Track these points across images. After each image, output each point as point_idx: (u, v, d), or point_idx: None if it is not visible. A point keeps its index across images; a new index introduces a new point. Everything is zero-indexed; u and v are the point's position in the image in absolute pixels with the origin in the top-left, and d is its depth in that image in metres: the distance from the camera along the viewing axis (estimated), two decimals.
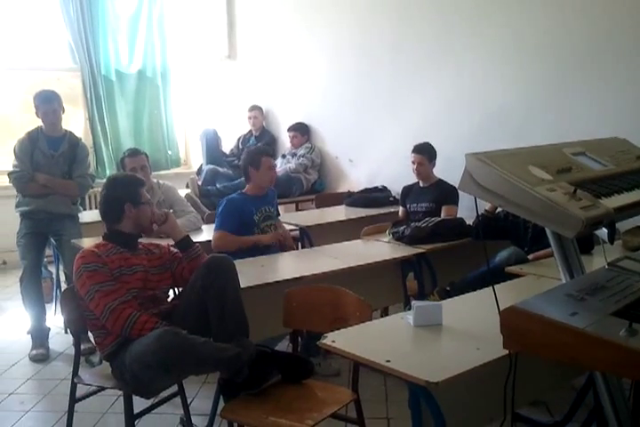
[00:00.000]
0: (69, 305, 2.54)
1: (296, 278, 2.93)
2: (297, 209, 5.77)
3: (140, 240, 2.71)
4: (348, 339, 2.05)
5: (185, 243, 2.73)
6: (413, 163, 4.23)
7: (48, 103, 3.88)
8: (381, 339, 2.09)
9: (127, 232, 2.63)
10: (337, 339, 2.03)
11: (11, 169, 3.94)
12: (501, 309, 1.61)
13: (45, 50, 6.35)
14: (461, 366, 1.82)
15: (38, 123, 4.00)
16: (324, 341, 2.02)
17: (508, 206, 1.76)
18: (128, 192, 2.64)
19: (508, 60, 4.39)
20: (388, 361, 1.84)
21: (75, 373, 2.56)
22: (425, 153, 4.21)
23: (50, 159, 3.91)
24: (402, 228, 3.75)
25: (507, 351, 1.70)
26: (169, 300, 2.72)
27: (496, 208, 3.86)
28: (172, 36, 6.94)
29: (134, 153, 3.96)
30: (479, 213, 3.68)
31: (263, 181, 3.70)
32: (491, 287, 1.90)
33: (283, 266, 3.43)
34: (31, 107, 3.96)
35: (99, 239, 2.65)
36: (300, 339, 2.98)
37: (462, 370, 1.80)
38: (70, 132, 4.07)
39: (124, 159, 3.94)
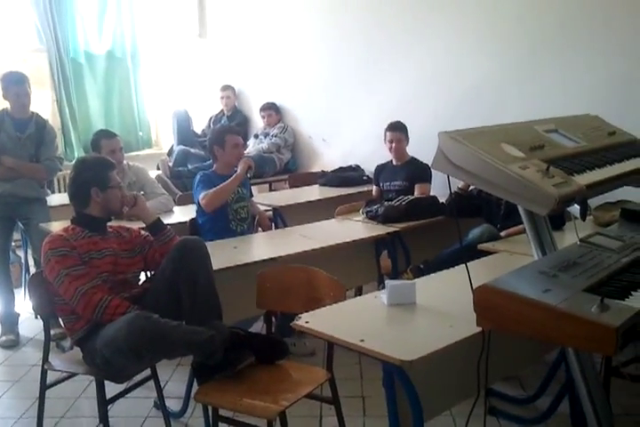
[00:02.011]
0: (38, 290, 2.49)
1: (270, 259, 2.91)
2: (270, 189, 5.72)
3: (109, 224, 2.66)
4: (321, 319, 2.04)
5: (156, 226, 2.69)
6: (391, 141, 4.20)
7: (19, 84, 3.80)
8: (355, 318, 2.08)
9: (96, 216, 2.58)
10: (310, 319, 2.02)
11: None
12: (474, 286, 1.61)
13: (10, 30, 6.16)
14: (435, 344, 1.82)
15: (2, 106, 3.89)
16: (297, 321, 2.01)
17: (480, 184, 1.75)
18: (95, 176, 2.57)
19: (479, 37, 4.37)
20: (362, 341, 1.83)
21: (45, 359, 2.52)
22: (401, 130, 4.20)
23: (16, 142, 3.82)
24: (375, 207, 3.73)
25: (480, 329, 1.71)
26: (140, 283, 2.67)
27: (469, 186, 3.87)
28: (141, 15, 6.77)
29: (111, 135, 3.90)
30: (452, 191, 3.70)
31: (230, 160, 3.63)
32: (464, 265, 1.91)
33: (256, 247, 3.40)
34: None
35: (67, 223, 2.60)
36: (274, 320, 2.97)
37: (436, 348, 1.80)
38: (37, 114, 3.97)
39: (99, 140, 3.85)
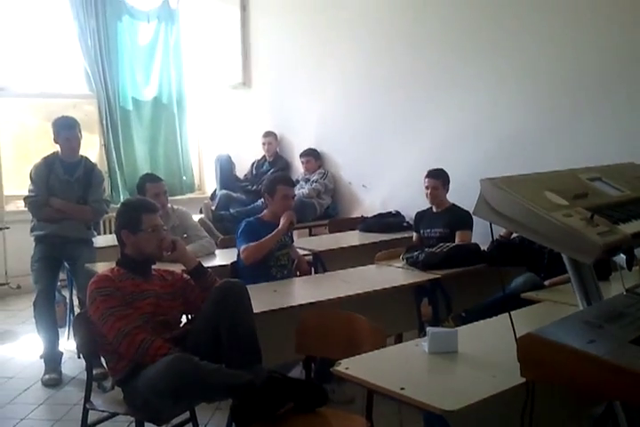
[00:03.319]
0: (82, 329, 2.54)
1: (309, 304, 2.91)
2: (310, 234, 5.75)
3: (153, 267, 2.71)
4: (361, 366, 2.03)
5: (197, 271, 2.71)
6: (427, 188, 4.22)
7: (69, 129, 3.95)
8: (396, 366, 2.06)
9: (135, 258, 2.63)
10: (350, 366, 2.01)
11: (26, 194, 3.98)
12: (518, 336, 1.59)
13: (62, 77, 6.45)
14: (477, 394, 1.79)
15: (53, 149, 4.05)
16: (337, 367, 2.00)
17: (523, 232, 1.74)
18: (127, 219, 2.64)
19: (519, 86, 4.42)
20: (403, 389, 1.81)
21: (87, 398, 2.54)
22: (439, 178, 4.22)
23: (65, 184, 3.95)
24: (416, 253, 3.72)
25: (524, 379, 1.67)
26: (181, 325, 2.70)
27: (511, 233, 3.85)
28: (187, 63, 7.04)
29: (155, 179, 4.01)
30: (494, 238, 3.68)
31: (277, 210, 3.68)
32: (507, 314, 1.88)
33: (296, 291, 3.42)
34: (47, 133, 4.02)
35: (112, 264, 2.66)
36: (313, 365, 2.95)
37: (479, 398, 1.77)
38: (86, 158, 4.12)
39: (144, 184, 3.95)
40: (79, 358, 4.06)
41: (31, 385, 3.80)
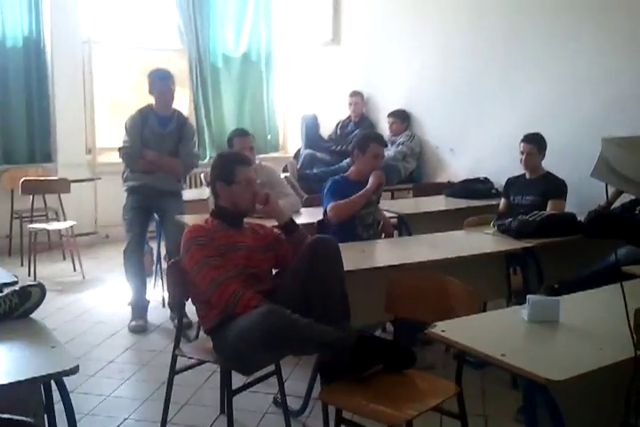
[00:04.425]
0: (174, 279, 2.57)
1: (399, 265, 2.86)
2: (392, 197, 5.68)
3: (246, 220, 2.71)
4: (458, 329, 1.97)
5: (289, 226, 2.70)
6: (522, 153, 4.05)
7: (165, 81, 3.98)
8: (494, 332, 2.00)
9: (229, 209, 2.64)
10: (447, 328, 1.95)
11: (121, 145, 4.06)
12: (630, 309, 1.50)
13: (155, 31, 6.52)
14: (583, 366, 1.70)
15: (145, 102, 4.09)
16: (432, 329, 1.95)
17: None
18: (221, 171, 2.67)
19: (631, 35, 4.13)
20: (504, 355, 1.74)
21: (176, 345, 2.59)
22: (535, 143, 4.03)
23: (159, 137, 4.01)
24: (508, 220, 3.59)
25: (631, 354, 1.58)
26: (271, 279, 2.70)
27: (611, 205, 3.66)
28: (277, 19, 6.97)
29: (243, 133, 3.99)
30: (607, 202, 3.50)
31: (365, 168, 3.60)
32: (608, 287, 1.78)
33: (384, 252, 3.37)
34: (140, 86, 4.08)
35: (199, 217, 2.65)
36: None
37: (585, 370, 1.68)
38: (179, 112, 4.16)
39: (232, 138, 3.95)
40: (164, 307, 4.24)
41: (118, 331, 3.95)
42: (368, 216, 3.65)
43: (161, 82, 3.97)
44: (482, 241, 3.50)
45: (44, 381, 1.69)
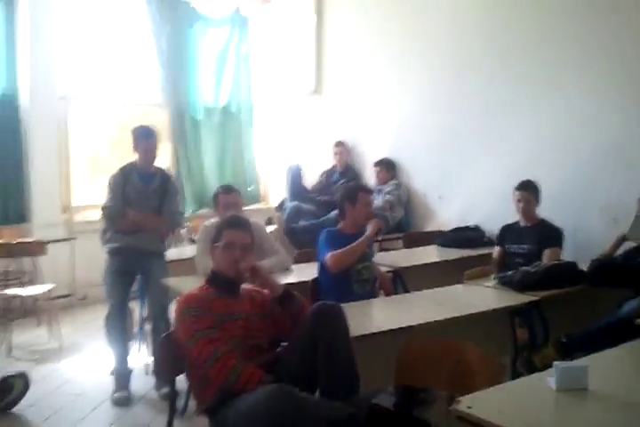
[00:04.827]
0: (166, 353, 2.38)
1: (404, 328, 2.69)
2: (381, 249, 5.53)
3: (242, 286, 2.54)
4: (484, 404, 1.80)
5: (284, 298, 2.50)
6: (519, 201, 3.97)
7: (150, 138, 3.90)
8: (523, 406, 1.83)
9: (226, 275, 2.48)
10: (473, 404, 1.78)
11: (103, 204, 3.90)
12: None
13: (133, 85, 6.42)
14: None
15: (125, 157, 3.97)
16: (457, 407, 1.78)
17: None
18: (215, 232, 2.61)
19: (618, 90, 4.13)
20: None
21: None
22: (531, 190, 3.96)
23: (142, 194, 3.88)
24: (509, 273, 3.47)
25: None
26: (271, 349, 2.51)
27: (613, 253, 3.56)
28: (258, 71, 6.95)
29: (229, 190, 3.87)
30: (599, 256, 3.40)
31: (358, 218, 3.51)
32: (627, 344, 1.65)
33: (385, 313, 3.18)
34: (119, 142, 3.96)
35: (184, 279, 2.51)
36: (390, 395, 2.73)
37: None
38: (161, 169, 4.05)
39: (217, 195, 3.84)
40: (146, 374, 3.99)
41: (100, 404, 3.67)
42: (364, 270, 3.51)
43: (146, 140, 3.88)
44: (485, 295, 3.37)
45: None
